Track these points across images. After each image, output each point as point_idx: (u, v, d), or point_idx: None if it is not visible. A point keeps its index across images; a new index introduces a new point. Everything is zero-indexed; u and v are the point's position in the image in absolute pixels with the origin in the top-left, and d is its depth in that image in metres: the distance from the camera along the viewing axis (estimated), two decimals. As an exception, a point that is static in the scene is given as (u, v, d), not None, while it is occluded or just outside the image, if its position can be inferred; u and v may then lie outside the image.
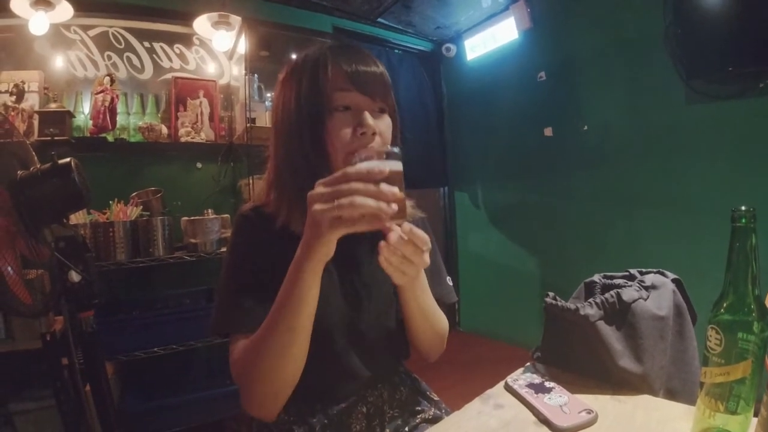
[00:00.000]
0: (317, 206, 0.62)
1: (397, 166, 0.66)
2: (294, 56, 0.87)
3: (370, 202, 0.60)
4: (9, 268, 1.21)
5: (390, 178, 0.63)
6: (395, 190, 0.62)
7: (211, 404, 2.05)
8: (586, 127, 2.76)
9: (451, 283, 1.01)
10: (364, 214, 0.60)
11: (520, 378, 0.84)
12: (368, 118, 0.78)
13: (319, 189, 0.63)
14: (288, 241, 0.73)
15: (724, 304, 0.57)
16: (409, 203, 0.92)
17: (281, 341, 0.69)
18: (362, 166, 0.63)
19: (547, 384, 0.80)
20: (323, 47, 0.83)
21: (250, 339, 0.74)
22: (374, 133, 0.78)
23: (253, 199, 0.92)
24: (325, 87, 0.78)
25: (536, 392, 0.77)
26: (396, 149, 0.67)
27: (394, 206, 0.62)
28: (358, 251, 0.87)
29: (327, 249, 0.65)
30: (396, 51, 3.44)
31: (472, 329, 3.67)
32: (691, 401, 0.70)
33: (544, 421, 0.70)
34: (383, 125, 0.81)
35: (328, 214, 0.61)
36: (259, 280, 0.77)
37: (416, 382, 0.97)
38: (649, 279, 0.86)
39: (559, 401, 0.74)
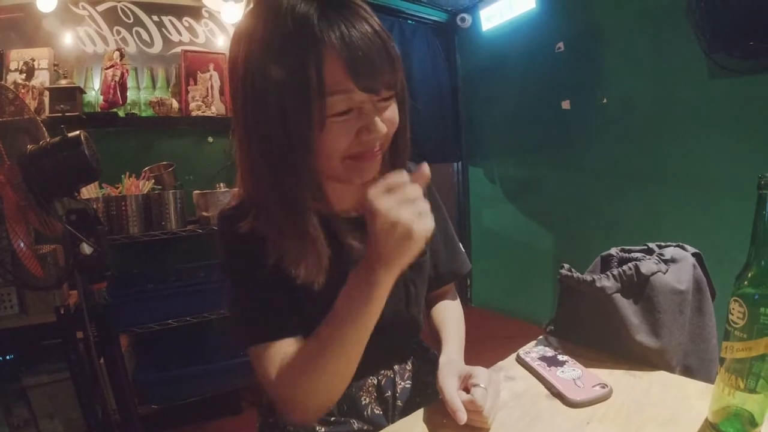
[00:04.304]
0: (406, 212, 0.54)
1: None
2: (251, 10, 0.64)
3: None
4: (21, 243, 1.22)
5: None
6: None
7: (225, 375, 2.09)
8: (605, 100, 2.67)
9: (462, 250, 0.98)
10: None
11: (532, 351, 0.82)
12: (378, 124, 0.63)
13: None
14: (261, 241, 0.68)
15: (749, 275, 0.54)
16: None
17: (347, 356, 0.65)
18: None
19: (560, 357, 0.79)
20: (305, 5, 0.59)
21: (289, 363, 0.67)
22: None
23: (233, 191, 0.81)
24: (319, 90, 0.58)
25: (549, 365, 0.76)
26: None
27: None
28: (361, 238, 0.79)
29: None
30: (409, 21, 3.35)
31: (484, 305, 3.66)
32: (709, 380, 0.68)
33: (556, 394, 0.69)
34: (390, 115, 0.66)
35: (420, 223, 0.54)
36: (261, 283, 0.72)
37: (429, 352, 0.96)
38: (669, 252, 0.83)
39: (572, 375, 0.72)
